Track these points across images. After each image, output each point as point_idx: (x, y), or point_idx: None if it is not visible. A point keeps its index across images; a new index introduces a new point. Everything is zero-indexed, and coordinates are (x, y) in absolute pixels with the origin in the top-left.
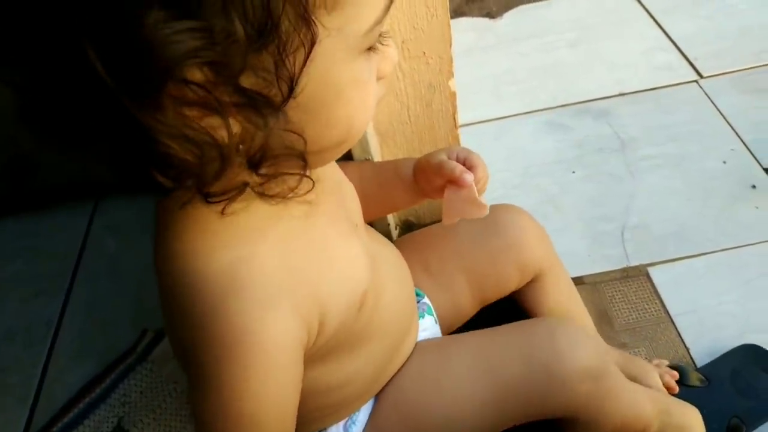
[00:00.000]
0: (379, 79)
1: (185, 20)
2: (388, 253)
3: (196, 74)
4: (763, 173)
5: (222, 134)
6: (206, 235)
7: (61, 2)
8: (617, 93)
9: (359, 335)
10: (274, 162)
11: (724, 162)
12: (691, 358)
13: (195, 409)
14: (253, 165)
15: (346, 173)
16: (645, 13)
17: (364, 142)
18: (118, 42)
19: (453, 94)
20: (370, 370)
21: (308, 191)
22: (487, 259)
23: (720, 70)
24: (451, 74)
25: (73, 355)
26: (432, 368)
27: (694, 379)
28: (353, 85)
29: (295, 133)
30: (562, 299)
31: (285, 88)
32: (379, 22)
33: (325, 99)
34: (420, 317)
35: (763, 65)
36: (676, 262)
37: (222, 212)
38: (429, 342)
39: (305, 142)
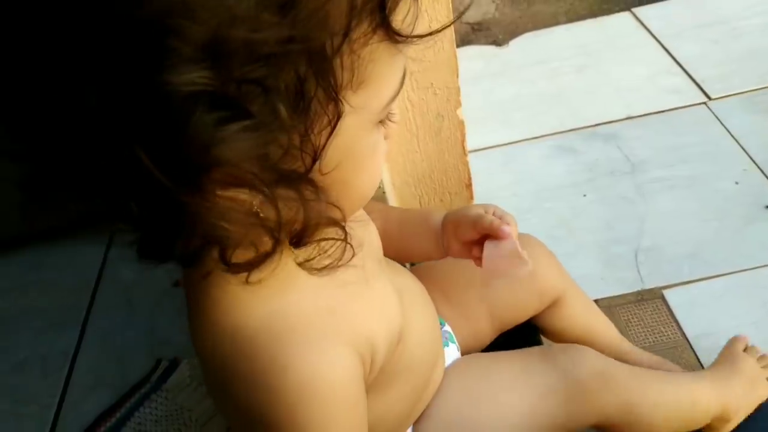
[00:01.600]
0: (385, 139)
1: (235, 122)
2: (411, 284)
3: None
4: None
5: (268, 213)
6: (235, 301)
7: (113, 113)
8: (625, 116)
9: (391, 372)
10: (314, 235)
11: (737, 183)
12: None
13: None
14: (296, 241)
15: (370, 213)
16: (650, 37)
17: None
18: (171, 147)
19: (461, 123)
20: (401, 406)
21: (352, 257)
22: (505, 288)
23: (728, 92)
24: (458, 103)
25: (89, 385)
26: (475, 384)
27: None
28: (371, 154)
29: (330, 203)
30: (583, 320)
31: (309, 161)
32: (395, 97)
33: (346, 168)
34: (444, 345)
35: None
36: (692, 284)
37: (246, 281)
38: (463, 362)
39: (342, 212)
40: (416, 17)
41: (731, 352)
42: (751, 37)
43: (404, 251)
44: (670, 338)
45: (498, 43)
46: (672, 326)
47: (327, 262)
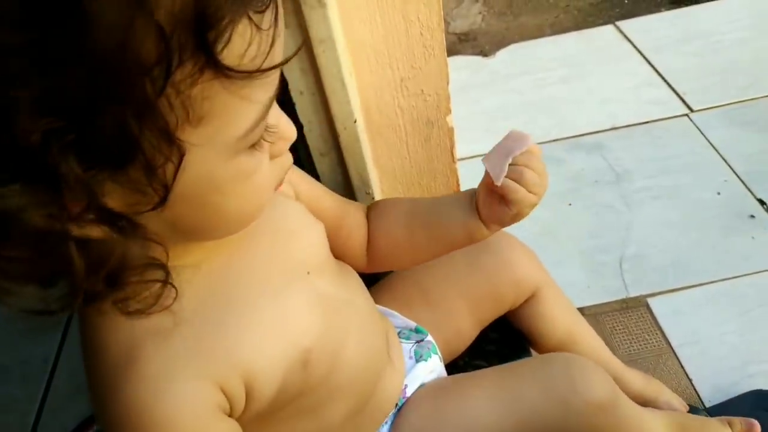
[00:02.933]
0: (274, 158)
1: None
2: (358, 301)
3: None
4: (757, 203)
5: (76, 260)
6: (96, 326)
7: None
8: (609, 127)
9: (315, 395)
10: (131, 276)
11: (719, 193)
12: (695, 389)
13: None
14: (110, 281)
15: (388, 209)
16: (634, 50)
17: (364, 176)
18: None
19: (451, 130)
20: (337, 428)
21: (173, 301)
22: (482, 279)
23: (709, 104)
24: (449, 110)
25: (69, 392)
26: (450, 405)
27: None
28: (238, 179)
29: (155, 242)
30: (562, 317)
31: (161, 193)
32: (255, 127)
33: (206, 196)
34: (428, 356)
35: (751, 99)
36: (676, 293)
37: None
38: (440, 381)
39: (167, 254)
40: (270, 44)
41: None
42: (731, 50)
43: (437, 240)
44: (654, 346)
45: (484, 53)
46: (656, 334)
47: (137, 306)
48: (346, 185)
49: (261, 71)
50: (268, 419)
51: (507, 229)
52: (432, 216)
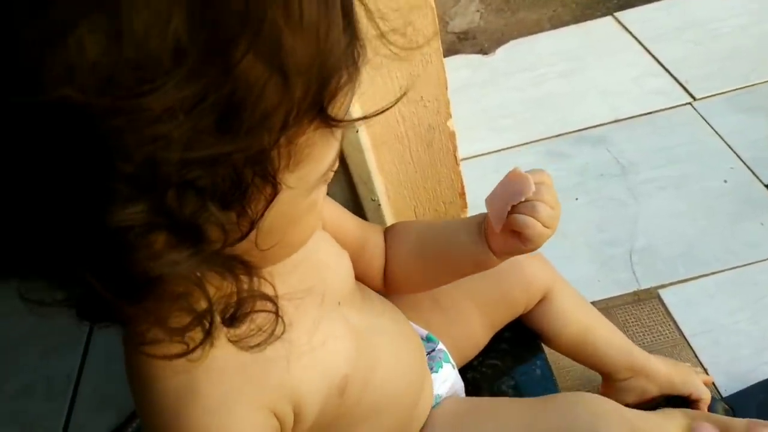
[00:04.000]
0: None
1: (175, 240)
2: (385, 323)
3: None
4: (765, 189)
5: (201, 304)
6: (155, 368)
7: (61, 246)
8: (613, 119)
9: (349, 417)
10: (247, 311)
11: (725, 181)
12: (713, 381)
13: None
14: (230, 321)
15: (403, 234)
16: (633, 40)
17: (369, 183)
18: (117, 273)
19: (452, 134)
20: None
21: (283, 332)
22: (493, 284)
23: (712, 92)
24: (449, 115)
25: (94, 407)
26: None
27: (720, 408)
28: (308, 211)
29: (263, 278)
30: (575, 315)
31: (246, 229)
32: (333, 165)
33: (283, 229)
34: (438, 367)
35: (753, 85)
36: (687, 283)
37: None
38: (458, 406)
39: (274, 287)
40: (353, 95)
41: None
42: (730, 37)
43: (446, 255)
44: (668, 337)
45: (484, 51)
46: (669, 325)
47: (260, 338)
48: (352, 193)
49: (361, 119)
50: None
51: None
52: (441, 244)
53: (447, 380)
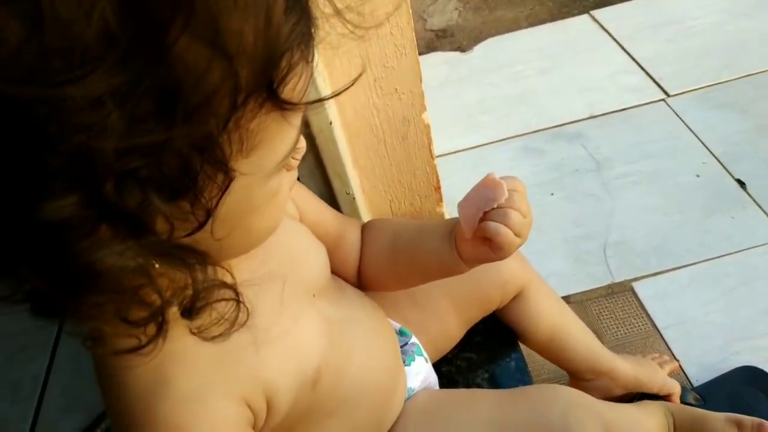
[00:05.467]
0: (288, 171)
1: (114, 227)
2: (360, 316)
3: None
4: (736, 184)
5: (153, 298)
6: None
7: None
8: (588, 116)
9: (323, 407)
10: (207, 304)
11: (698, 175)
12: (682, 369)
13: None
14: (188, 313)
15: (376, 230)
16: (609, 38)
17: (344, 177)
18: (53, 266)
19: (427, 127)
20: None
21: (246, 320)
22: (468, 281)
23: (685, 88)
24: (423, 107)
25: (62, 409)
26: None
27: (690, 398)
28: (269, 199)
29: (220, 266)
30: (548, 313)
31: (202, 218)
32: (291, 151)
33: (242, 218)
34: (411, 360)
35: (725, 81)
36: (660, 276)
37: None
38: (431, 399)
39: (232, 275)
40: (309, 77)
41: (733, 416)
42: (704, 35)
43: (415, 258)
44: (641, 329)
45: (462, 49)
46: (642, 318)
47: (222, 328)
48: (327, 187)
49: (314, 102)
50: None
51: None
52: (412, 246)
53: (419, 373)
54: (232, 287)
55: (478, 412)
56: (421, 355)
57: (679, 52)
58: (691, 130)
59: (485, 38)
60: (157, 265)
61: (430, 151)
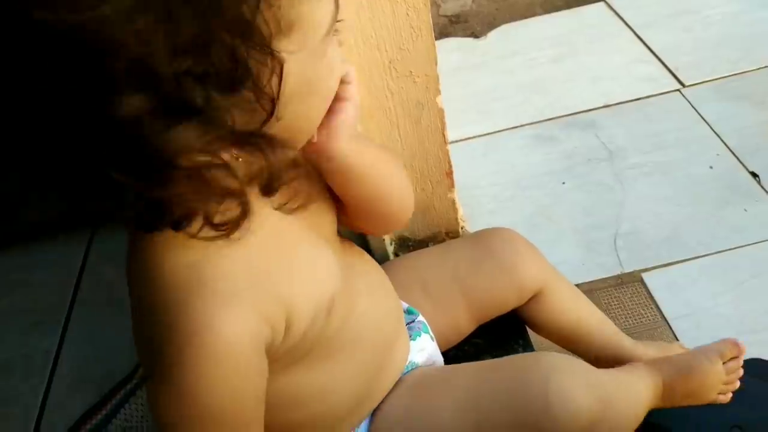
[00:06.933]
0: (341, 44)
1: (183, 118)
2: (367, 267)
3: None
4: (749, 176)
5: (230, 182)
6: (174, 240)
7: (77, 146)
8: (602, 105)
9: (330, 343)
10: (282, 179)
11: (711, 167)
12: None
13: (152, 401)
14: (267, 190)
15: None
16: (625, 26)
17: None
18: (135, 160)
19: (441, 111)
20: (353, 383)
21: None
22: (484, 282)
23: (701, 79)
24: (438, 91)
25: (72, 384)
26: (420, 401)
27: None
28: (327, 74)
29: (288, 147)
30: (568, 310)
31: (268, 107)
32: (335, 19)
33: (302, 100)
34: (417, 335)
35: (742, 72)
36: (670, 267)
37: (228, 237)
38: (424, 372)
39: (297, 141)
40: None
41: (710, 349)
42: (721, 25)
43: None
44: (649, 320)
45: (476, 35)
46: (651, 308)
47: (298, 202)
48: None
49: None
50: (288, 368)
51: (503, 215)
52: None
53: (424, 349)
54: (299, 162)
55: (456, 381)
56: (428, 332)
57: (696, 42)
58: (706, 122)
59: (499, 24)
60: (234, 152)
61: (444, 135)
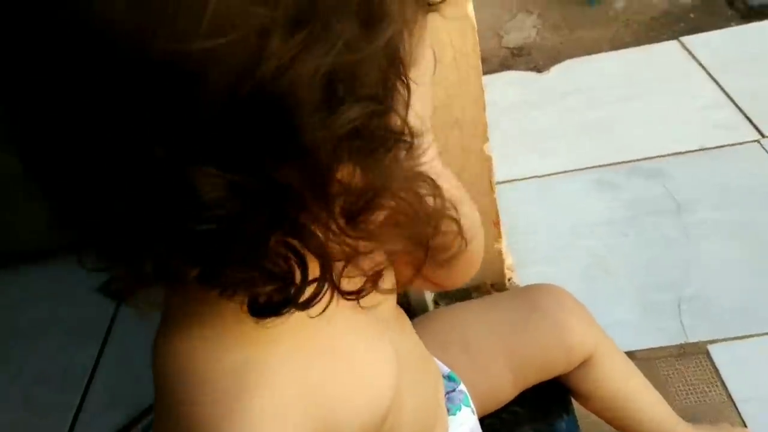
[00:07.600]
0: None
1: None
2: (410, 345)
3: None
4: None
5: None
6: (219, 331)
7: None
8: (671, 152)
9: None
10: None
11: None
12: None
13: None
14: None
15: None
16: (699, 68)
17: None
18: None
19: (488, 158)
20: None
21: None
22: (529, 341)
23: None
24: (486, 138)
25: (104, 403)
26: None
27: None
28: (431, 114)
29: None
30: (619, 380)
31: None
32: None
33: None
34: (457, 410)
35: None
36: (741, 341)
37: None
38: None
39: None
40: None
41: None
42: None
43: None
44: (714, 399)
45: (538, 69)
46: (717, 386)
47: (369, 291)
48: None
49: None
50: None
51: (556, 264)
52: None
53: (464, 424)
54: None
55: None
56: (468, 405)
57: None
58: None
59: (563, 59)
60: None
61: (491, 183)
